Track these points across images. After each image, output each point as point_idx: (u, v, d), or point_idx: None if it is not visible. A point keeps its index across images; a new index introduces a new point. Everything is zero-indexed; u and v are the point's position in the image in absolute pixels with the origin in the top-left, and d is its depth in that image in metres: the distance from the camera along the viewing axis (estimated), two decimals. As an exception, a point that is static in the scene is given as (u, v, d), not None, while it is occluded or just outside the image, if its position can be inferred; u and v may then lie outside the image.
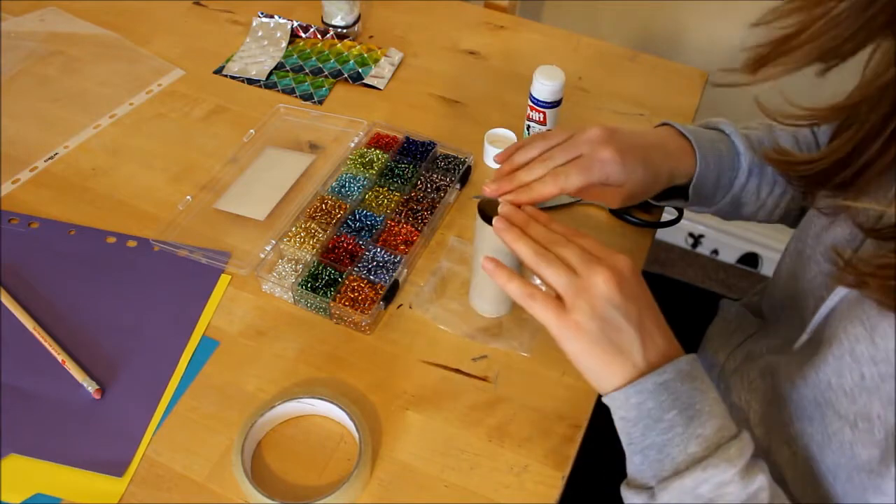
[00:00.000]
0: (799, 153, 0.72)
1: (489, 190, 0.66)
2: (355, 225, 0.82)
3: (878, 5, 0.47)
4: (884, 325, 0.52)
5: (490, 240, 0.65)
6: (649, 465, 0.55)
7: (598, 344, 0.55)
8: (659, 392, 0.54)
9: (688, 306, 0.93)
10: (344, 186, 0.86)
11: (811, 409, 0.59)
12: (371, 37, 1.13)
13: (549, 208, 0.86)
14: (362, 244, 0.80)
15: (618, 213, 0.86)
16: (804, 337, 0.62)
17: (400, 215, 0.83)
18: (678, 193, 0.77)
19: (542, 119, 0.86)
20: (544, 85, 0.84)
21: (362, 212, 0.83)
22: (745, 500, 0.52)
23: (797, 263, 0.69)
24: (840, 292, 0.58)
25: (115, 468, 0.65)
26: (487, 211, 0.67)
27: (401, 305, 0.78)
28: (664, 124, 0.77)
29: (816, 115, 0.62)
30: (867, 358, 0.53)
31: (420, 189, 0.86)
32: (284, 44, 1.09)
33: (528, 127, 0.88)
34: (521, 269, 0.72)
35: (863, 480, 0.54)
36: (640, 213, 0.86)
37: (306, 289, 0.75)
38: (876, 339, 0.52)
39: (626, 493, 0.57)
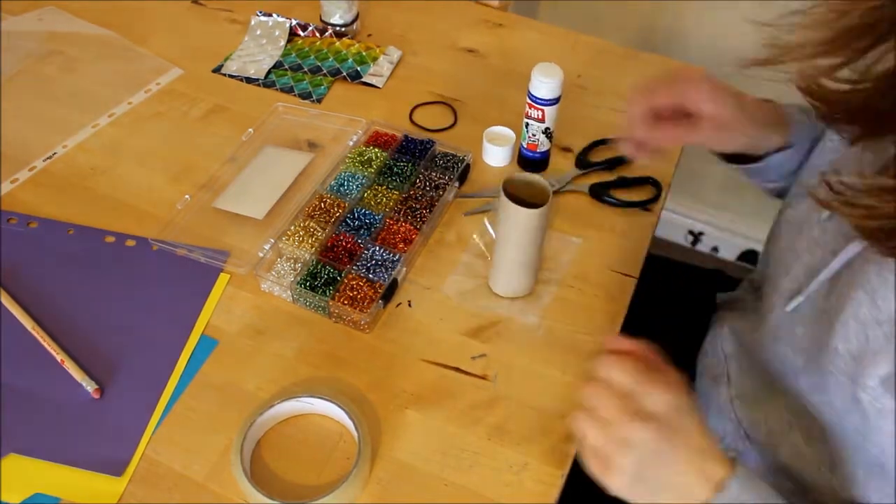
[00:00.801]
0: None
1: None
2: (354, 223, 0.82)
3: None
4: (884, 289, 0.54)
5: (514, 217, 0.67)
6: None
7: (650, 492, 0.55)
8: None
9: (691, 289, 0.94)
10: (343, 185, 0.86)
11: (821, 378, 0.60)
12: (369, 35, 1.12)
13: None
14: (361, 243, 0.80)
15: (597, 195, 0.88)
16: (799, 299, 0.64)
17: (399, 213, 0.83)
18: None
19: (540, 116, 0.86)
20: (543, 82, 0.84)
21: (361, 210, 0.83)
22: None
23: (788, 231, 0.70)
24: (842, 258, 0.59)
25: (115, 468, 0.65)
26: (511, 190, 0.69)
27: (399, 304, 0.78)
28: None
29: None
30: (871, 320, 0.55)
31: (419, 187, 0.86)
32: (283, 42, 1.09)
33: (527, 125, 0.88)
34: (542, 245, 0.75)
35: (882, 440, 0.56)
36: (619, 192, 0.89)
37: (305, 287, 0.75)
38: (878, 301, 0.55)
39: None
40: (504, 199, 0.70)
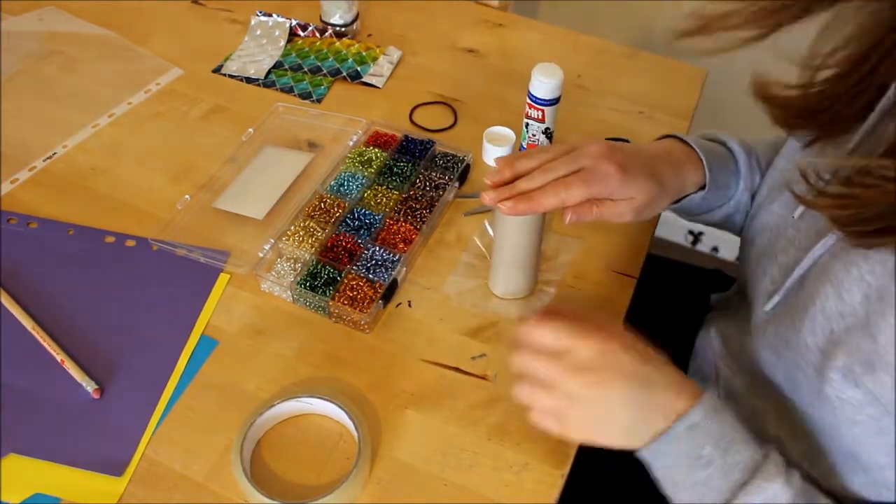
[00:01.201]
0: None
1: (488, 198, 0.66)
2: (354, 223, 0.82)
3: None
4: (849, 282, 0.55)
5: (512, 219, 0.66)
6: (699, 499, 0.57)
7: (612, 433, 0.58)
8: (691, 434, 0.56)
9: (689, 287, 0.94)
10: (343, 185, 0.86)
11: (793, 372, 0.62)
12: (369, 35, 1.12)
13: None
14: (361, 243, 0.80)
15: None
16: (776, 298, 0.64)
17: (399, 214, 0.83)
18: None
19: (540, 116, 0.86)
20: (543, 83, 0.84)
21: (361, 210, 0.83)
22: (793, 498, 0.55)
23: (762, 235, 0.70)
24: (813, 255, 0.60)
25: (115, 468, 0.65)
26: None
27: (399, 304, 0.78)
28: (666, 136, 0.77)
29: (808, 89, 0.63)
30: (835, 313, 0.56)
31: (419, 187, 0.86)
32: (283, 42, 1.09)
33: (527, 125, 0.88)
34: (541, 246, 0.74)
35: (853, 430, 0.57)
36: None
37: (305, 287, 0.75)
38: (843, 294, 0.55)
39: None
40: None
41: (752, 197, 0.77)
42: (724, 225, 0.81)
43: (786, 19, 0.52)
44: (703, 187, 0.74)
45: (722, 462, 0.56)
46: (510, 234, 0.72)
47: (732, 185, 0.77)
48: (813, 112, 0.63)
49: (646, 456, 0.58)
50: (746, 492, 0.55)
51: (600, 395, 0.57)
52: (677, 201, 0.75)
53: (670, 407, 0.57)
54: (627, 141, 0.94)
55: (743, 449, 0.56)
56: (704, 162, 0.73)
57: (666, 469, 0.58)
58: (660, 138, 0.77)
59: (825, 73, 0.61)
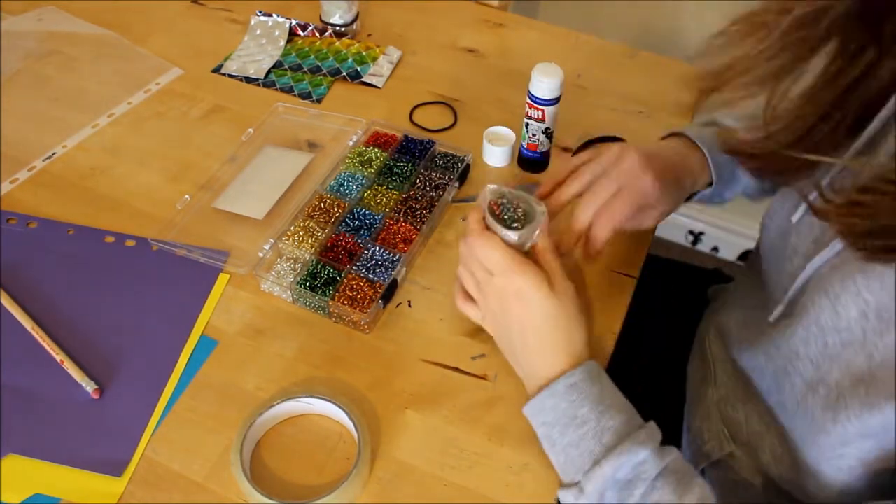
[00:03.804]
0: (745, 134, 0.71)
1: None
2: (354, 223, 0.82)
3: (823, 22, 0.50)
4: (846, 297, 0.55)
5: (503, 238, 0.65)
6: (571, 462, 0.59)
7: (510, 354, 0.65)
8: (570, 393, 0.60)
9: (687, 286, 0.95)
10: (342, 185, 0.86)
11: (781, 378, 0.62)
12: (369, 35, 1.12)
13: None
14: (361, 243, 0.80)
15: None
16: (780, 309, 0.65)
17: (399, 214, 0.83)
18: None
19: (540, 116, 0.86)
20: (543, 82, 0.84)
21: (361, 210, 0.83)
22: (662, 471, 0.56)
23: (776, 237, 0.70)
24: (813, 265, 0.60)
25: (114, 468, 0.65)
26: (496, 210, 0.66)
27: (399, 304, 0.78)
28: (674, 134, 0.78)
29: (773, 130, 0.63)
30: (830, 327, 0.56)
31: (419, 187, 0.86)
32: (283, 42, 1.09)
33: (527, 125, 0.88)
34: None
35: (821, 441, 0.58)
36: None
37: (305, 288, 0.75)
38: (839, 308, 0.55)
39: (560, 495, 0.61)
40: (489, 218, 0.65)
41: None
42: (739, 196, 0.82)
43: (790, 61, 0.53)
44: (710, 183, 0.76)
45: (596, 424, 0.58)
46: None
47: (738, 173, 0.77)
48: (769, 157, 0.64)
49: (527, 411, 0.63)
50: (616, 453, 0.56)
51: (503, 320, 0.63)
52: (687, 199, 0.77)
53: (557, 364, 0.61)
54: (622, 140, 0.94)
55: (617, 415, 0.59)
56: (710, 161, 0.74)
57: (545, 426, 0.61)
58: (665, 136, 0.78)
59: (778, 124, 0.61)
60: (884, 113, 0.56)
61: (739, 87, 0.56)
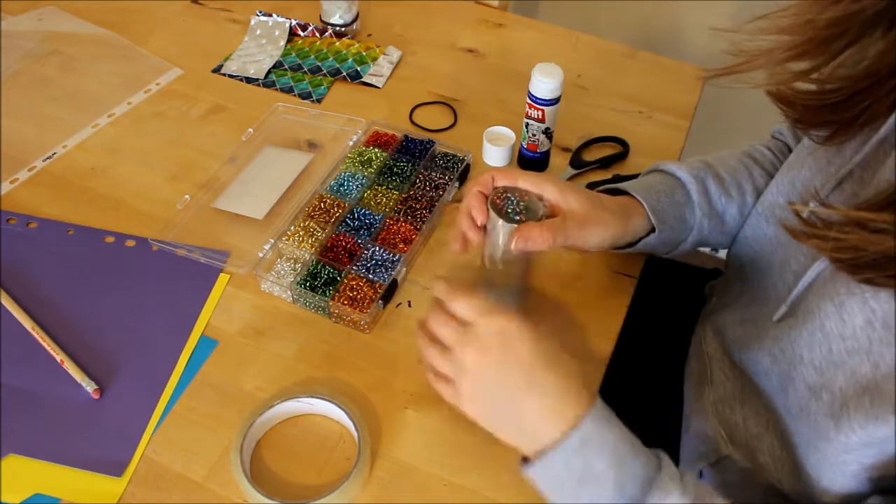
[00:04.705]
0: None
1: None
2: (354, 223, 0.82)
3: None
4: (851, 303, 0.54)
5: (504, 231, 0.65)
6: None
7: (500, 421, 0.56)
8: (585, 447, 0.53)
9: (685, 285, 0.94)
10: (342, 185, 0.86)
11: (785, 381, 0.61)
12: (369, 35, 1.12)
13: None
14: (361, 243, 0.80)
15: (576, 166, 0.92)
16: (783, 309, 0.64)
17: (399, 214, 0.83)
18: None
19: (540, 116, 0.86)
20: (543, 82, 0.84)
21: (361, 210, 0.83)
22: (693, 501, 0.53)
23: (763, 242, 0.69)
24: (816, 268, 0.59)
25: (114, 468, 0.65)
26: (499, 203, 0.67)
27: (399, 304, 0.78)
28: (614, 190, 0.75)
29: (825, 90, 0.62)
30: (836, 334, 0.55)
31: (419, 187, 0.86)
32: (283, 42, 1.09)
33: (527, 125, 0.88)
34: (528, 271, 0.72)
35: (823, 447, 0.56)
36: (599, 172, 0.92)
37: (305, 288, 0.75)
38: (844, 315, 0.55)
39: None
40: (492, 214, 0.65)
41: (722, 216, 0.75)
42: (704, 246, 0.79)
43: (839, 47, 0.52)
44: (653, 229, 0.71)
45: (617, 473, 0.52)
46: (499, 243, 0.67)
47: (689, 217, 0.74)
48: (829, 111, 0.61)
49: (533, 474, 0.55)
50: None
51: (488, 375, 0.55)
52: (633, 244, 0.73)
53: (560, 415, 0.54)
54: (625, 141, 0.94)
55: (633, 461, 0.53)
56: (646, 206, 0.71)
57: (556, 488, 0.55)
58: (602, 189, 0.74)
59: (842, 72, 0.58)
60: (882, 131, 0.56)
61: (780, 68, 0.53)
